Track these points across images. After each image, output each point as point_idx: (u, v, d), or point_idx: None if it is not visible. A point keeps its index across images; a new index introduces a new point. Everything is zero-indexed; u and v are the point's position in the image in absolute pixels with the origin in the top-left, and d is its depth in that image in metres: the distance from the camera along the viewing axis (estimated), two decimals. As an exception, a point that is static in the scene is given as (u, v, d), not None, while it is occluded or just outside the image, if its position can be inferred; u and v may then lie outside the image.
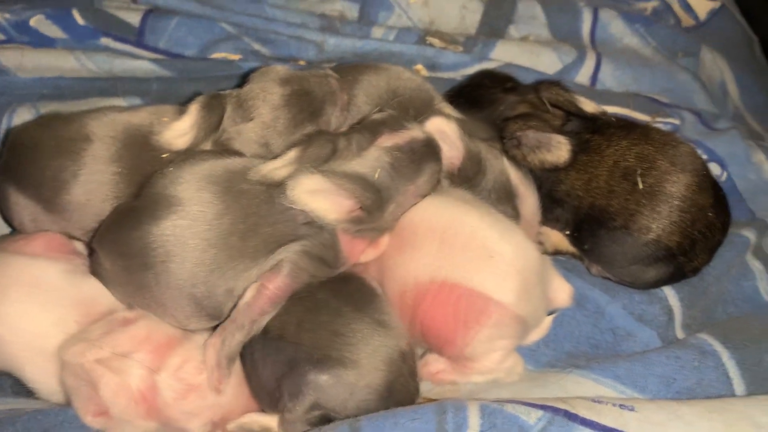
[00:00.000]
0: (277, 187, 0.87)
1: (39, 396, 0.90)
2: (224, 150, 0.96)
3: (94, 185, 0.96)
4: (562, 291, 1.02)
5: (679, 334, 1.04)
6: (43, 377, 0.88)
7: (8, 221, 1.01)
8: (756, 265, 1.11)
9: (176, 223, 0.84)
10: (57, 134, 0.97)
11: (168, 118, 1.00)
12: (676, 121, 1.25)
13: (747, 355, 0.97)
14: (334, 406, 0.82)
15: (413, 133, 0.93)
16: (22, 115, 1.16)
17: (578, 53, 1.36)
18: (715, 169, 1.24)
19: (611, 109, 1.24)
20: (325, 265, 0.89)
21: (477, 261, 0.91)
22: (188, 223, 0.84)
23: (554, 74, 1.33)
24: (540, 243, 1.12)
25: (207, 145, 0.97)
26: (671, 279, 1.05)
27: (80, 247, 0.98)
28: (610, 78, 1.36)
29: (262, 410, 0.90)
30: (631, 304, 1.05)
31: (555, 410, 0.81)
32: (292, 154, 0.89)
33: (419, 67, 1.28)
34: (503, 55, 1.32)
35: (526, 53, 1.33)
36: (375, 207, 0.89)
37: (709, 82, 1.45)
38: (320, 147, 0.89)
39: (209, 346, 0.86)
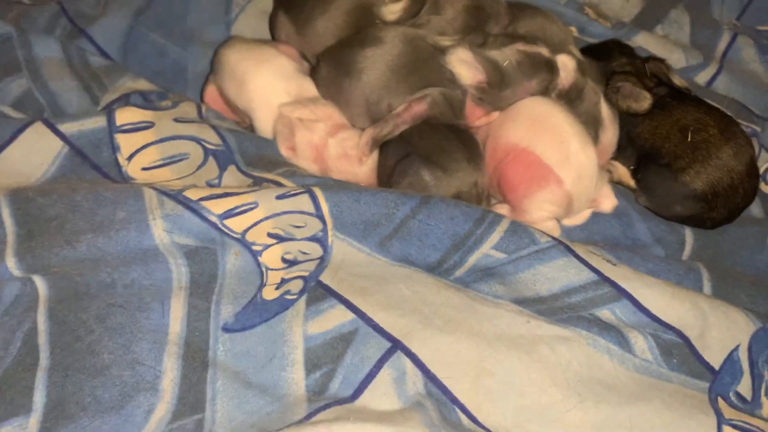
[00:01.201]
0: (441, 50, 1.34)
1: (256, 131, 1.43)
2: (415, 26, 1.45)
3: (331, 25, 1.47)
4: (608, 199, 1.40)
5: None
6: (264, 120, 1.41)
7: (272, 33, 1.57)
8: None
9: (374, 51, 1.34)
10: None
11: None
12: (757, 128, 1.57)
13: (723, 286, 1.30)
14: (420, 189, 1.28)
15: (541, 49, 1.36)
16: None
17: (704, 60, 1.70)
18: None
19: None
20: (451, 111, 1.35)
21: (554, 143, 1.31)
22: (381, 53, 1.34)
23: (677, 69, 1.68)
24: (609, 171, 1.50)
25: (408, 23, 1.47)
26: (692, 220, 1.39)
27: (306, 64, 1.51)
28: (723, 87, 1.68)
29: (381, 188, 1.38)
30: (656, 228, 1.39)
31: (559, 242, 1.21)
32: (457, 36, 1.36)
33: (573, 29, 1.69)
34: (641, 41, 1.68)
35: (660, 47, 1.69)
36: (496, 85, 1.33)
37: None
38: (477, 36, 1.35)
39: (367, 130, 1.35)
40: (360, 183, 1.37)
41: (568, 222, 1.40)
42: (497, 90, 1.34)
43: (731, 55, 1.75)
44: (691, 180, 1.35)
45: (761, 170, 1.55)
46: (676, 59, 1.70)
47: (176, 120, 1.33)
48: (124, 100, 1.41)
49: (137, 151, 1.30)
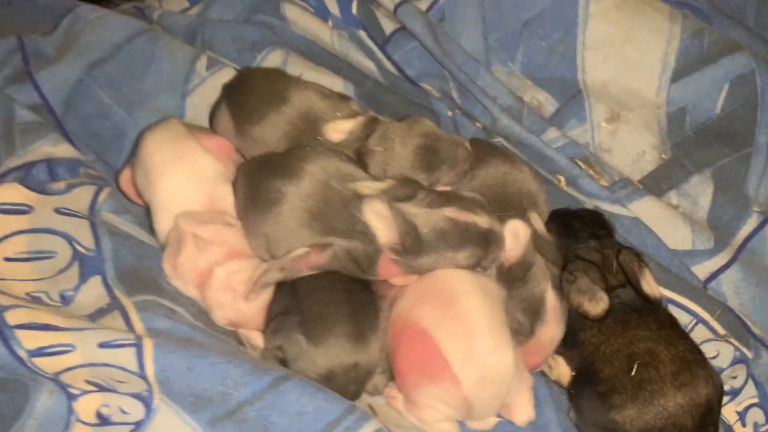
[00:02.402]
0: (358, 198, 1.14)
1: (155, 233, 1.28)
2: (354, 157, 1.24)
3: (270, 131, 1.29)
4: (523, 411, 1.16)
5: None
6: (162, 225, 1.25)
7: (211, 123, 1.41)
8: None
9: (288, 184, 1.15)
10: (270, 86, 1.33)
11: (341, 114, 1.31)
12: (749, 354, 1.27)
13: None
14: (288, 358, 1.09)
15: (477, 219, 1.13)
16: (275, 57, 1.55)
17: (715, 247, 1.41)
18: (758, 416, 1.25)
19: (692, 306, 1.30)
20: (358, 267, 1.14)
21: (459, 334, 1.09)
22: (294, 189, 1.15)
23: (677, 252, 1.40)
24: (548, 367, 1.25)
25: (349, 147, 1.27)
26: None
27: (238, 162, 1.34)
28: (729, 284, 1.39)
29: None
30: (578, 459, 1.15)
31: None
32: (383, 184, 1.15)
33: (561, 178, 1.44)
34: (641, 210, 1.41)
35: (664, 220, 1.41)
36: (411, 251, 1.12)
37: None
38: (404, 189, 1.14)
39: (260, 266, 1.16)
40: (245, 323, 1.20)
41: (473, 425, 1.17)
42: (412, 255, 1.13)
43: (755, 245, 1.44)
44: (623, 424, 1.09)
45: (742, 406, 1.26)
46: (679, 239, 1.42)
47: (57, 210, 1.20)
48: (26, 169, 1.29)
49: (5, 237, 1.17)
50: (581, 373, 1.17)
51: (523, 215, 1.24)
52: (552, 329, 1.20)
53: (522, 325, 1.19)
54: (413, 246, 1.11)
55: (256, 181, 1.20)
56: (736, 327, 1.30)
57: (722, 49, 1.53)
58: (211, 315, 1.20)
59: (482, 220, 1.14)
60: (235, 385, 1.00)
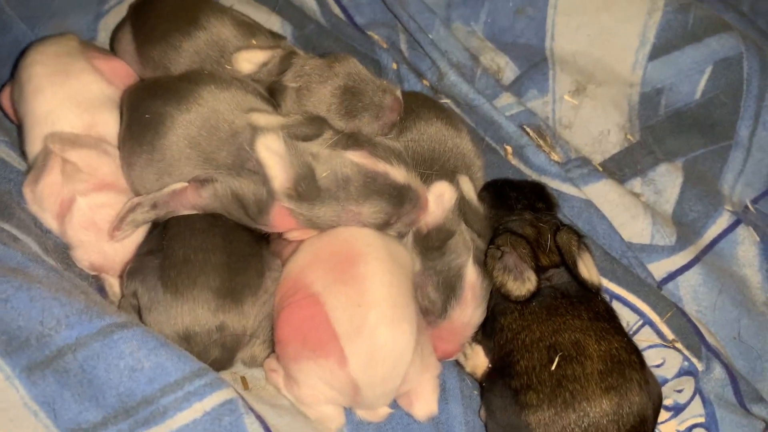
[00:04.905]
0: (252, 131, 0.95)
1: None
2: (267, 94, 1.06)
3: (173, 55, 1.12)
4: (424, 404, 0.98)
5: None
6: (32, 145, 1.07)
7: (112, 45, 1.23)
8: None
9: (178, 110, 0.97)
10: (179, 5, 1.15)
11: (256, 42, 1.13)
12: (699, 366, 1.08)
13: None
14: (142, 306, 0.91)
15: (391, 170, 0.95)
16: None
17: (677, 244, 1.23)
18: (701, 437, 1.06)
19: (639, 304, 1.12)
20: (244, 212, 0.96)
21: (350, 303, 0.91)
22: (180, 115, 0.97)
23: (633, 244, 1.22)
24: (464, 356, 1.07)
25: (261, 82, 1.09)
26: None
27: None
28: (687, 288, 1.21)
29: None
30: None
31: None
32: (283, 119, 0.97)
33: (508, 147, 1.26)
34: (596, 193, 1.23)
35: (622, 208, 1.23)
36: (306, 198, 0.93)
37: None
38: (308, 127, 0.96)
39: (130, 202, 0.98)
40: (109, 267, 1.02)
41: (362, 414, 0.99)
42: (307, 204, 0.94)
43: (723, 248, 1.26)
44: (537, 426, 0.90)
45: (686, 425, 1.08)
46: (638, 231, 1.23)
47: None
48: None
49: None
50: (496, 365, 0.99)
51: (451, 178, 1.06)
52: (468, 311, 1.01)
53: (433, 302, 1.01)
54: (308, 192, 0.93)
55: (138, 104, 1.02)
56: (688, 333, 1.11)
57: (709, 27, 1.35)
58: (71, 254, 1.02)
59: (396, 173, 0.96)
60: (57, 325, 0.81)
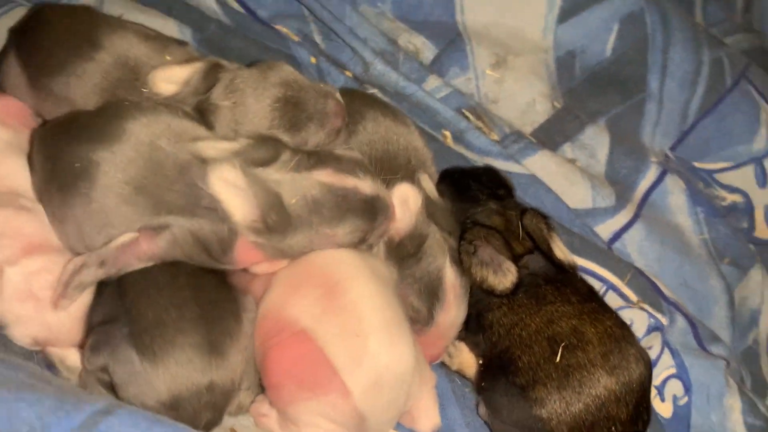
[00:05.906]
0: (201, 163, 0.86)
1: None
2: (195, 115, 0.95)
3: (75, 84, 0.98)
4: (427, 418, 0.95)
5: None
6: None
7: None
8: None
9: (104, 155, 0.85)
10: (73, 26, 1.01)
11: (172, 58, 1.01)
12: (664, 321, 1.13)
13: None
14: (118, 382, 0.80)
15: (359, 183, 0.89)
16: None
17: (617, 203, 1.26)
18: (676, 388, 1.12)
19: (600, 271, 1.15)
20: (207, 255, 0.87)
21: (346, 334, 0.86)
22: (113, 158, 0.85)
23: (577, 211, 1.24)
24: (448, 355, 1.05)
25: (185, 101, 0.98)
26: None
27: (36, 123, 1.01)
28: (633, 244, 1.25)
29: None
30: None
31: None
32: (233, 144, 0.88)
33: (447, 133, 1.24)
34: (536, 166, 1.24)
35: (561, 177, 1.25)
36: (277, 230, 0.86)
37: (741, 304, 1.31)
38: (262, 150, 0.88)
39: (72, 263, 0.85)
40: (55, 339, 0.89)
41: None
42: (279, 235, 0.87)
43: (655, 199, 1.31)
44: (550, 419, 0.90)
45: (659, 379, 1.13)
46: (580, 197, 1.26)
47: None
48: None
49: None
50: (493, 362, 0.97)
51: (411, 177, 1.02)
52: (453, 312, 0.99)
53: (418, 311, 0.97)
54: (279, 222, 0.86)
55: (57, 150, 0.88)
56: (648, 292, 1.15)
57: (610, -16, 1.38)
58: (7, 332, 0.88)
59: (365, 185, 0.90)
60: (31, 429, 0.70)
